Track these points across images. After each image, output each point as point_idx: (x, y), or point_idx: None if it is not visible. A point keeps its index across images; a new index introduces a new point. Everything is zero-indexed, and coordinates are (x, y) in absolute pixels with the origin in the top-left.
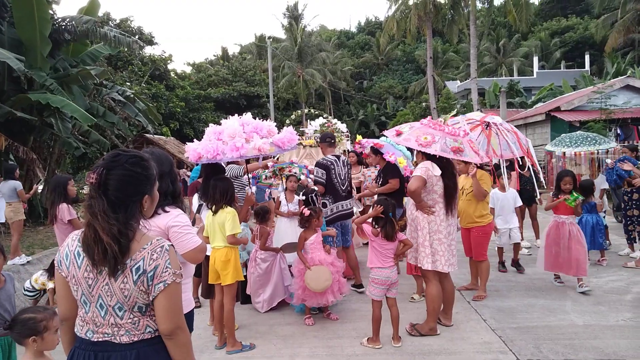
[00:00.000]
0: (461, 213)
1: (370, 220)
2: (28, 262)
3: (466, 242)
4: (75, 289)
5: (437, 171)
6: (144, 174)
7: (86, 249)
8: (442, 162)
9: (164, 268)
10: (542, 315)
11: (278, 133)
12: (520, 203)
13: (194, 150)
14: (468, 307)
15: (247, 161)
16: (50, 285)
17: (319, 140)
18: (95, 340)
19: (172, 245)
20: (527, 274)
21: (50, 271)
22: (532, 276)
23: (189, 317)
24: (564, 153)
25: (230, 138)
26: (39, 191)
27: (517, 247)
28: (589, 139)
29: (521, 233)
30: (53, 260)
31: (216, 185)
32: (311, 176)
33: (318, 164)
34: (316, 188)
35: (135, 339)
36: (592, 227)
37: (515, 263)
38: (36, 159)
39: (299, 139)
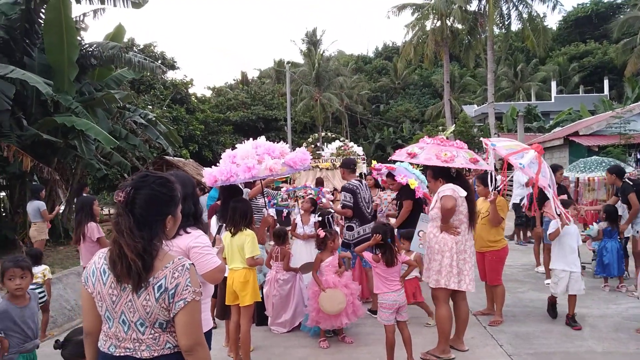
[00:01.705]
0: (475, 237)
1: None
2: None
3: (481, 266)
4: (100, 304)
5: (463, 192)
6: (169, 194)
7: (111, 264)
8: (463, 183)
9: (185, 286)
10: (560, 341)
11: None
12: (580, 242)
13: (210, 174)
14: (484, 332)
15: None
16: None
17: (339, 165)
18: (118, 355)
19: (192, 264)
20: (544, 299)
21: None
22: None
23: (207, 336)
24: (578, 178)
25: (242, 159)
26: (60, 211)
27: (573, 299)
28: (603, 164)
29: (537, 258)
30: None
31: (236, 207)
32: (328, 196)
33: (344, 189)
34: (332, 210)
35: (156, 354)
36: (617, 253)
37: (571, 319)
38: (59, 180)
39: (314, 162)
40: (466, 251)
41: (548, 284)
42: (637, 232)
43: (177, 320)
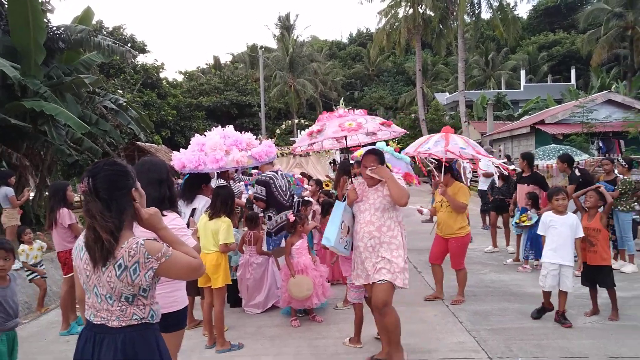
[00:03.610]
0: (441, 223)
1: None
2: (21, 267)
3: (437, 249)
4: (80, 278)
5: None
6: (122, 170)
7: (88, 249)
8: None
9: (146, 259)
10: (516, 318)
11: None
12: (582, 234)
13: (179, 160)
14: (446, 310)
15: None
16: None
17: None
18: (96, 322)
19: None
20: (504, 280)
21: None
22: (508, 282)
23: (182, 314)
24: (537, 165)
25: (211, 150)
26: (31, 197)
27: (564, 296)
28: (560, 151)
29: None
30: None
31: (218, 194)
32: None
33: (257, 181)
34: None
35: (124, 324)
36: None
37: (561, 315)
38: (28, 166)
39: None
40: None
41: (506, 263)
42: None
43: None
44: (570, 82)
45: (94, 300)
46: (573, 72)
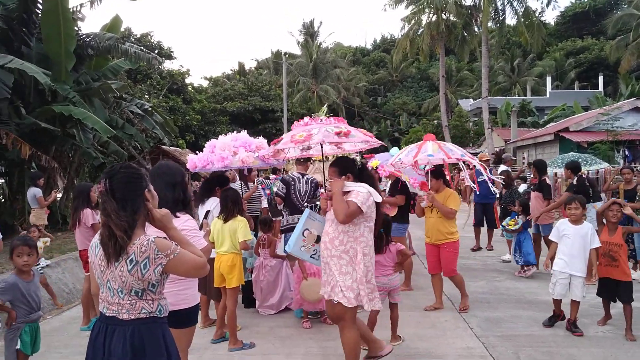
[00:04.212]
0: (431, 230)
1: None
2: (47, 265)
3: (432, 258)
4: (95, 273)
5: (378, 198)
6: (137, 173)
7: (102, 245)
8: (370, 181)
9: (156, 255)
10: (527, 325)
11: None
12: (597, 244)
13: (192, 160)
14: (457, 316)
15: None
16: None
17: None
18: (107, 314)
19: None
20: (519, 287)
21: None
22: (523, 290)
23: (193, 312)
24: (556, 173)
25: (220, 150)
26: (58, 198)
27: (575, 305)
28: (580, 159)
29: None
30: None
31: (227, 196)
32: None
33: (281, 179)
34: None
35: (133, 317)
36: (531, 242)
37: (572, 324)
38: (57, 168)
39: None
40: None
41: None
42: None
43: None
44: (598, 89)
45: (107, 294)
46: (601, 79)
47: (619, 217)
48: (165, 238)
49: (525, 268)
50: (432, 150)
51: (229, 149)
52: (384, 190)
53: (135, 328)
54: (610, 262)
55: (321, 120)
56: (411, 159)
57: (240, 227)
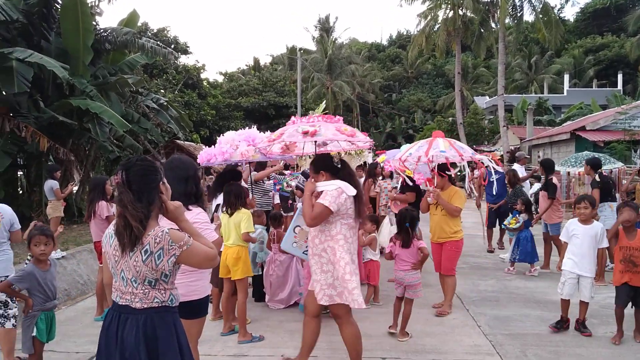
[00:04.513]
0: (435, 228)
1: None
2: (63, 257)
3: (437, 257)
4: (109, 262)
5: (351, 191)
6: (152, 166)
7: (118, 235)
8: (349, 177)
9: (169, 247)
10: (536, 324)
11: None
12: (606, 244)
13: (201, 155)
14: (466, 314)
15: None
16: None
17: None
18: (121, 304)
19: (171, 228)
20: (529, 287)
21: None
22: (533, 289)
23: (204, 303)
24: (569, 172)
25: (225, 144)
26: (74, 191)
27: (584, 305)
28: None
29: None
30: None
31: (230, 191)
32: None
33: (303, 173)
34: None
35: (146, 306)
36: (531, 241)
37: (581, 324)
38: (74, 161)
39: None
40: (354, 261)
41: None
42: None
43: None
44: (617, 87)
45: (120, 284)
46: (620, 77)
47: (633, 219)
48: (177, 230)
49: (531, 268)
50: (443, 147)
51: (232, 144)
52: (395, 188)
53: (148, 317)
54: (631, 267)
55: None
56: (423, 155)
57: (244, 219)
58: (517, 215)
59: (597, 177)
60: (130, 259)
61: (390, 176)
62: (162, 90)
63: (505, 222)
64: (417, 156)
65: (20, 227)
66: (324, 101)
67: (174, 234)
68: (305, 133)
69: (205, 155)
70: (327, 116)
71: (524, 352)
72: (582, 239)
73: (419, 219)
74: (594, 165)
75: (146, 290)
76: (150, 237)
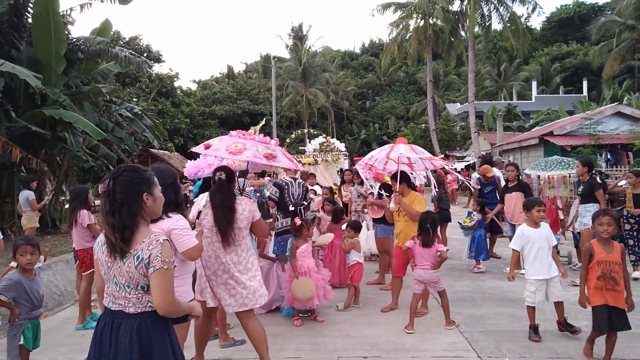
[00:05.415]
0: (400, 234)
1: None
2: (39, 267)
3: (399, 261)
4: (101, 269)
5: (202, 202)
6: (140, 177)
7: (106, 240)
8: (223, 188)
9: (155, 256)
10: (508, 321)
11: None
12: (555, 242)
13: (187, 168)
14: (443, 314)
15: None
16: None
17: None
18: (113, 309)
19: (167, 240)
20: (502, 287)
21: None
22: (506, 289)
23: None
24: (539, 176)
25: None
26: (48, 202)
27: (560, 306)
28: (562, 163)
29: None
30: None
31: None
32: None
33: (274, 183)
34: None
35: (139, 311)
36: (484, 240)
37: (565, 324)
38: (47, 171)
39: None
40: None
41: (505, 271)
42: (584, 224)
43: (150, 283)
44: (582, 93)
45: (113, 289)
46: (585, 83)
47: (610, 231)
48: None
49: (477, 264)
50: (404, 150)
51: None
52: (372, 194)
53: (142, 321)
54: (613, 285)
55: (254, 132)
56: (384, 156)
57: None
58: (472, 214)
59: (598, 179)
60: (124, 264)
61: (361, 183)
62: (135, 99)
63: (460, 221)
64: (380, 158)
65: (2, 236)
66: (262, 121)
67: (166, 249)
68: (267, 156)
69: (193, 168)
70: (266, 139)
71: (499, 347)
72: (537, 243)
73: (440, 222)
74: (589, 166)
75: (139, 295)
76: (145, 244)
